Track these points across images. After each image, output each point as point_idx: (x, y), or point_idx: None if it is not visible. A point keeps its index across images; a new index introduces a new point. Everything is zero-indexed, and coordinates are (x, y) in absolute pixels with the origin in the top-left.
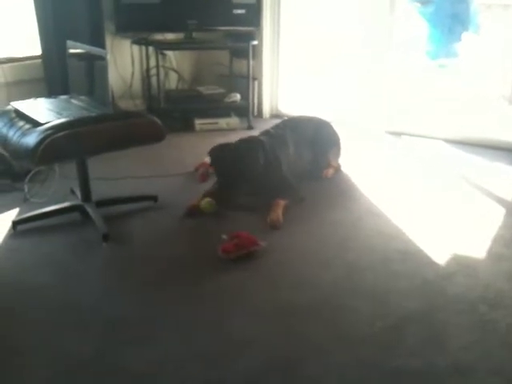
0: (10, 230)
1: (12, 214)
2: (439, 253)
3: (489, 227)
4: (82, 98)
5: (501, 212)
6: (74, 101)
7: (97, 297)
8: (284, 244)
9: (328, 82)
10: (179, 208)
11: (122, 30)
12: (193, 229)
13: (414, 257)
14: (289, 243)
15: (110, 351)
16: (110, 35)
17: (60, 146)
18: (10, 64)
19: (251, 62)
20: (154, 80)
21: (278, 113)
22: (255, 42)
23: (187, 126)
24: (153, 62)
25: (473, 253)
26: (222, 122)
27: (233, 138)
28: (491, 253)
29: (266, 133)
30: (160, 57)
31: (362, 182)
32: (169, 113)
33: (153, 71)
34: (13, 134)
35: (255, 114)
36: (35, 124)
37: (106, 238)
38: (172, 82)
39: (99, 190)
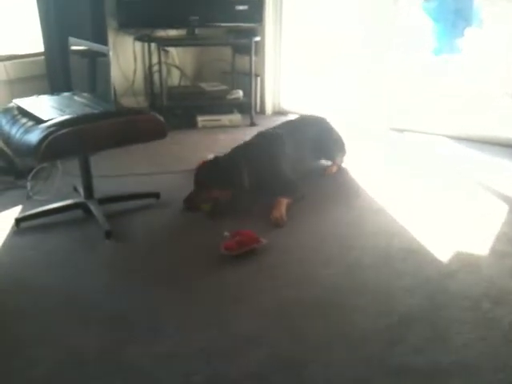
0: (13, 228)
1: (15, 212)
2: (442, 250)
3: (492, 224)
4: (85, 94)
5: (504, 209)
6: (76, 98)
7: (100, 294)
8: (286, 241)
9: (330, 79)
10: (181, 205)
11: (125, 26)
12: (195, 226)
13: (416, 254)
14: (291, 241)
15: (113, 348)
16: (113, 32)
17: (63, 143)
18: (12, 61)
19: (253, 59)
20: (156, 77)
21: (281, 109)
22: (257, 39)
23: (189, 123)
24: (155, 59)
25: (476, 250)
26: (225, 119)
27: (235, 134)
28: (494, 250)
29: (261, 134)
30: (162, 53)
31: (365, 180)
32: (171, 110)
33: (155, 68)
34: (16, 132)
35: (257, 110)
36: (38, 121)
37: (108, 235)
38: (174, 79)
39: (102, 187)
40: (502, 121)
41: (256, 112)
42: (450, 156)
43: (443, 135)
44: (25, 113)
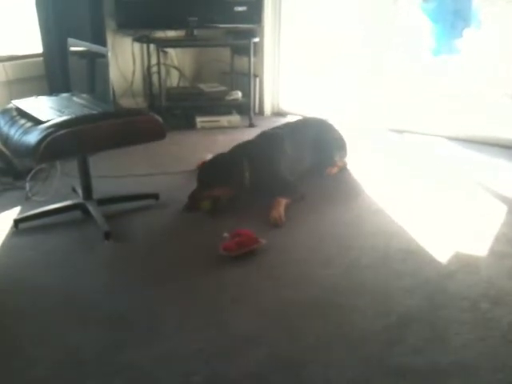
0: (11, 228)
1: (14, 212)
2: (441, 251)
3: (491, 225)
4: (84, 95)
5: (503, 210)
6: (75, 99)
7: (99, 294)
8: (285, 242)
9: (330, 80)
10: (180, 206)
11: (123, 27)
12: (194, 227)
13: (415, 255)
14: (290, 241)
15: (112, 348)
16: (111, 33)
17: (61, 143)
18: (11, 62)
19: (252, 60)
20: (155, 78)
21: (280, 110)
22: (256, 40)
23: (188, 124)
24: (154, 60)
25: (475, 251)
26: (224, 120)
27: (234, 135)
28: (493, 250)
29: (262, 133)
30: (161, 54)
31: (364, 180)
32: (170, 110)
33: (154, 69)
34: (14, 132)
35: (256, 111)
36: (36, 122)
37: (107, 235)
38: (173, 80)
39: (100, 188)
40: (501, 122)
41: (255, 113)
42: (449, 157)
43: (442, 136)
44: (23, 114)
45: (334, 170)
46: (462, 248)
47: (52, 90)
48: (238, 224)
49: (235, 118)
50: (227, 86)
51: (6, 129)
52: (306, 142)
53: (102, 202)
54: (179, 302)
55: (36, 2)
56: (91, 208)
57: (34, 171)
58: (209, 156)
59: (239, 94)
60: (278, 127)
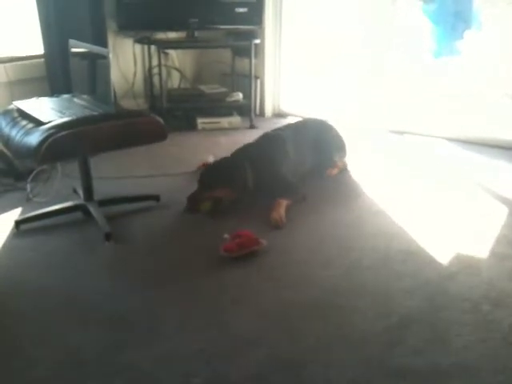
0: (12, 230)
1: (15, 214)
2: (442, 252)
3: (492, 226)
4: (85, 97)
5: (504, 211)
6: (76, 100)
7: (100, 295)
8: (285, 243)
9: (330, 81)
10: (181, 207)
11: (124, 28)
12: (195, 228)
13: (416, 256)
14: (290, 242)
15: (112, 348)
16: (112, 34)
17: (62, 145)
18: (12, 63)
19: (253, 61)
20: (156, 79)
21: (281, 112)
22: (257, 41)
23: (189, 125)
24: (155, 61)
25: (475, 252)
26: (224, 121)
27: (235, 136)
28: (494, 252)
29: (264, 135)
30: (162, 56)
31: (364, 181)
32: (171, 112)
33: (155, 70)
34: (15, 134)
35: (257, 113)
36: (38, 123)
37: (108, 237)
38: (174, 81)
39: (101, 190)
40: (501, 123)
41: (256, 114)
42: (449, 158)
43: (442, 137)
44: (25, 115)
45: (335, 171)
46: (462, 249)
47: (53, 91)
48: (239, 225)
49: (236, 120)
50: (228, 88)
51: (7, 130)
52: (306, 143)
53: (102, 203)
54: (180, 303)
55: (37, 3)
56: (92, 209)
57: (35, 172)
58: (210, 157)
59: (240, 96)
60: (279, 128)
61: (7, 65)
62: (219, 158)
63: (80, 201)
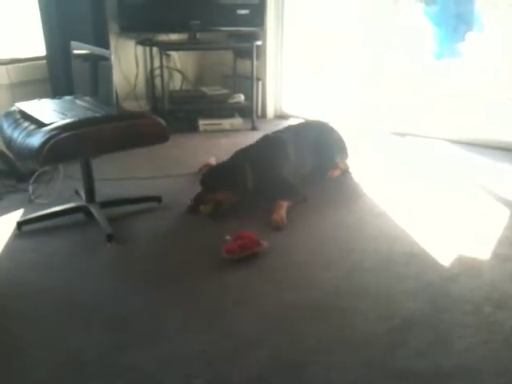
0: (14, 231)
1: (17, 215)
2: (444, 254)
3: (494, 228)
4: (87, 98)
5: (506, 213)
6: (78, 101)
7: (102, 296)
8: (287, 245)
9: (332, 83)
10: (183, 209)
11: (126, 30)
12: (196, 229)
13: (418, 258)
14: (292, 244)
15: (114, 350)
16: (114, 36)
17: (64, 146)
18: (14, 65)
19: (255, 63)
20: (158, 81)
21: (282, 113)
22: (259, 43)
23: (191, 127)
24: (157, 63)
25: (477, 254)
26: (226, 123)
27: (237, 138)
28: (496, 254)
29: (264, 137)
30: (164, 57)
31: (366, 183)
32: (173, 113)
33: (157, 72)
34: (17, 135)
35: (259, 114)
36: (40, 125)
37: (110, 238)
38: (176, 83)
39: (103, 191)
40: (504, 125)
41: (257, 116)
42: (451, 160)
43: (445, 139)
44: (27, 116)
45: (336, 172)
46: (464, 251)
47: (55, 93)
48: (241, 227)
49: (238, 121)
50: (230, 89)
51: (9, 131)
52: (307, 145)
53: (104, 204)
54: (181, 305)
55: (39, 5)
56: (94, 210)
57: (37, 174)
58: (212, 159)
59: (242, 97)
60: (279, 130)
61: (9, 66)
62: (221, 160)
63: (82, 202)
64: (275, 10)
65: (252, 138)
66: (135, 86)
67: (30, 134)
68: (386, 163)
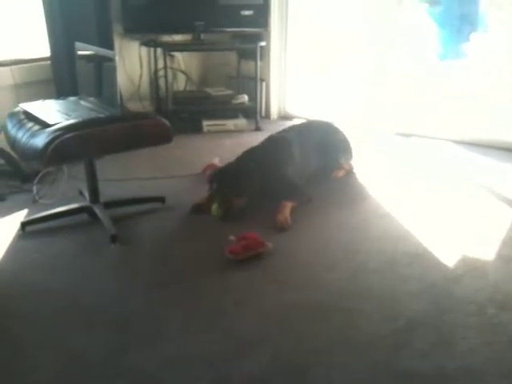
0: (18, 231)
1: (21, 215)
2: (447, 255)
3: (498, 229)
4: (91, 99)
5: (509, 214)
6: (82, 102)
7: (105, 297)
8: (291, 245)
9: (336, 84)
10: (187, 209)
11: (130, 31)
12: (200, 230)
13: (422, 259)
14: (296, 245)
15: (117, 351)
16: (119, 37)
17: (69, 147)
18: (18, 66)
19: (259, 64)
20: (162, 81)
21: (286, 114)
22: (263, 44)
23: (195, 128)
24: (161, 64)
25: (481, 255)
26: (230, 124)
27: (240, 139)
28: (500, 255)
29: (269, 138)
30: (168, 58)
31: (370, 184)
32: (177, 114)
33: (161, 73)
34: (22, 136)
35: (263, 115)
36: (44, 125)
37: (114, 238)
38: (180, 84)
39: (107, 191)
40: (507, 125)
41: (261, 116)
42: (455, 160)
43: (448, 140)
44: (31, 117)
45: (341, 173)
46: (468, 252)
47: (59, 94)
48: (245, 227)
49: (241, 122)
50: (234, 90)
51: (13, 132)
52: (311, 145)
53: (108, 205)
54: (184, 305)
55: (44, 6)
56: (98, 211)
57: (41, 174)
58: (216, 159)
59: (245, 98)
60: (284, 130)
61: (14, 67)
62: (225, 160)
63: (86, 203)
64: (279, 11)
65: (256, 138)
66: (139, 86)
67: (34, 135)
68: (390, 164)
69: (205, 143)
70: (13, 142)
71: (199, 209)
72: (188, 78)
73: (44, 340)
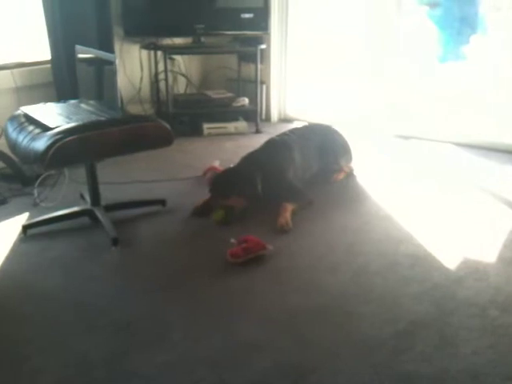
0: (20, 234)
1: (22, 218)
2: (449, 257)
3: (499, 231)
4: (91, 102)
5: (511, 216)
6: (83, 105)
7: (106, 300)
8: (292, 248)
9: (336, 86)
10: (187, 212)
11: (131, 34)
12: (201, 233)
13: (423, 261)
14: (297, 247)
15: (120, 354)
16: (119, 40)
17: (69, 150)
18: (19, 69)
19: (259, 66)
20: (162, 84)
21: (286, 117)
22: (263, 46)
23: (195, 131)
24: (161, 67)
25: (483, 257)
26: (230, 127)
27: (241, 142)
28: (501, 257)
29: (270, 141)
30: (168, 61)
31: (371, 186)
32: (177, 117)
33: (161, 76)
34: (22, 139)
35: (263, 118)
36: (45, 128)
37: (115, 241)
38: (180, 87)
39: (108, 194)
40: (508, 127)
41: (262, 119)
42: (456, 163)
43: (449, 142)
44: (32, 120)
45: (341, 175)
46: (470, 254)
47: (60, 97)
48: (245, 230)
49: (242, 125)
50: (234, 93)
51: (14, 135)
52: (312, 148)
53: (109, 208)
54: (185, 308)
55: (44, 9)
56: (99, 214)
57: (42, 177)
58: (216, 162)
59: (246, 101)
60: (284, 133)
61: (14, 71)
62: (227, 164)
63: (87, 206)
64: (279, 14)
65: (256, 141)
66: (140, 89)
67: (34, 138)
68: (390, 166)
69: (205, 146)
70: (14, 146)
71: (200, 212)
72: (188, 81)
73: (46, 343)
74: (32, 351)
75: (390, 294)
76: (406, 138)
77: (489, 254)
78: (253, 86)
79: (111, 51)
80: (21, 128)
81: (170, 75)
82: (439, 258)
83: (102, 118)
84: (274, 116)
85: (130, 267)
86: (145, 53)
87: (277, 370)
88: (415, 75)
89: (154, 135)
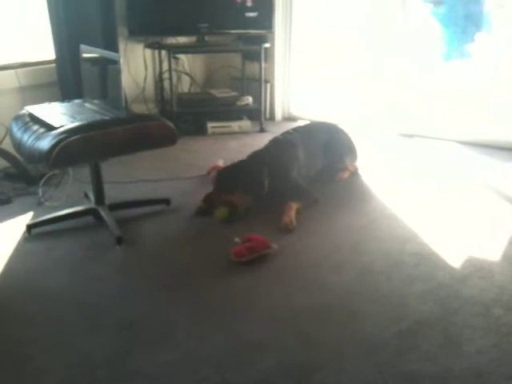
0: (24, 234)
1: (26, 218)
2: (454, 255)
3: (504, 229)
4: (96, 101)
5: None
6: (87, 105)
7: (110, 299)
8: (296, 247)
9: (340, 84)
10: (192, 211)
11: (135, 34)
12: (205, 232)
13: (428, 260)
14: (301, 246)
15: (123, 354)
16: (123, 39)
17: (74, 149)
18: (24, 68)
19: (263, 65)
20: (166, 83)
21: (291, 115)
22: (267, 45)
23: (199, 130)
24: (165, 66)
25: (487, 255)
26: (235, 125)
27: (245, 140)
28: (506, 255)
29: (274, 139)
30: (172, 60)
31: (376, 185)
32: (181, 116)
33: (165, 75)
34: (27, 138)
35: (267, 116)
36: (49, 128)
37: (119, 240)
38: (184, 86)
39: (112, 194)
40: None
41: (266, 118)
42: (460, 161)
43: (453, 140)
44: (36, 120)
45: (346, 174)
46: (474, 253)
47: (64, 97)
48: (250, 229)
49: (246, 124)
50: (238, 92)
51: (19, 135)
52: (316, 147)
53: (113, 207)
54: (189, 308)
55: (48, 9)
56: (103, 213)
57: (46, 177)
58: (220, 161)
59: (250, 100)
60: (288, 132)
61: (19, 70)
62: (233, 162)
63: (91, 205)
64: (283, 13)
65: (260, 140)
66: (144, 88)
67: (39, 138)
68: (394, 164)
69: (209, 145)
70: (18, 145)
71: (204, 211)
72: (192, 80)
73: (49, 343)
74: (35, 351)
75: (394, 293)
76: (410, 136)
77: (493, 253)
78: (257, 84)
79: (115, 51)
80: (25, 127)
81: (174, 74)
82: (444, 256)
83: (107, 118)
84: (278, 115)
85: (134, 266)
86: (149, 52)
87: (280, 369)
88: (417, 74)
89: (158, 134)
